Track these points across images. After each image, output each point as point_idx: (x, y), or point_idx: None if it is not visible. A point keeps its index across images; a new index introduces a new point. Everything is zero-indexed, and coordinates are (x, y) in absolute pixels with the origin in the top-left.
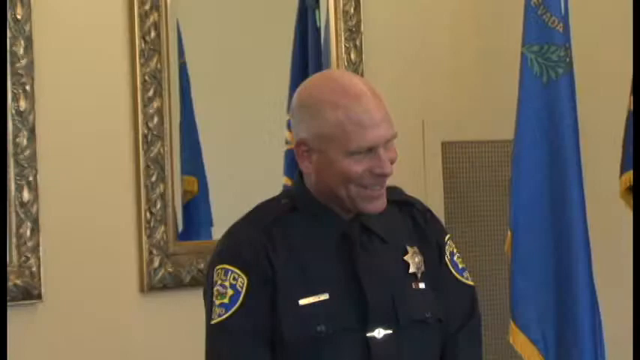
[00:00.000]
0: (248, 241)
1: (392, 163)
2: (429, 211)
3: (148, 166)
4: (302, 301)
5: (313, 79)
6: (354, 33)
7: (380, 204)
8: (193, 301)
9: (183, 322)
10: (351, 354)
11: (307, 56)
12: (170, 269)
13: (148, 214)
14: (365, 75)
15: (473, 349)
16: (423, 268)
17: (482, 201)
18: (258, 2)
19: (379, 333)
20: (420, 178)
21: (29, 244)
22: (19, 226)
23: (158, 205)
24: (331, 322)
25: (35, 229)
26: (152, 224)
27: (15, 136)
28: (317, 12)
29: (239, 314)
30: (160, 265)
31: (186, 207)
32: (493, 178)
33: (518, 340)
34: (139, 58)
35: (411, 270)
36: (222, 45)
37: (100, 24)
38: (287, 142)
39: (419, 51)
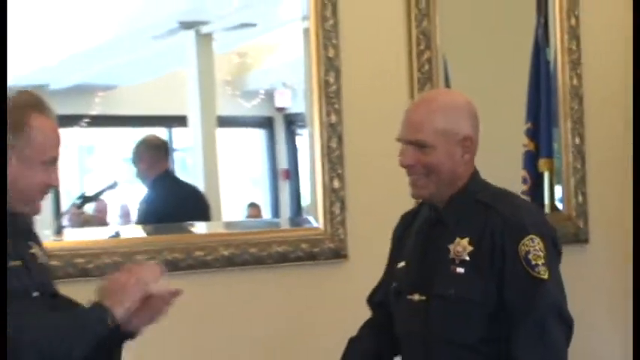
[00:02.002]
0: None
1: (411, 165)
2: (505, 217)
3: None
4: (398, 265)
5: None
6: (576, 65)
7: (413, 191)
8: None
9: None
10: (402, 310)
11: (540, 83)
12: None
13: None
14: (584, 94)
15: (531, 342)
16: (466, 257)
17: None
18: (504, 44)
19: (415, 297)
20: None
21: (338, 219)
22: (331, 206)
23: None
24: (398, 283)
25: (343, 208)
26: None
27: (328, 141)
28: (547, 49)
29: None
30: None
31: None
32: None
33: None
34: (417, 85)
35: (450, 256)
36: (477, 77)
37: (388, 60)
38: (524, 145)
39: (626, 75)
